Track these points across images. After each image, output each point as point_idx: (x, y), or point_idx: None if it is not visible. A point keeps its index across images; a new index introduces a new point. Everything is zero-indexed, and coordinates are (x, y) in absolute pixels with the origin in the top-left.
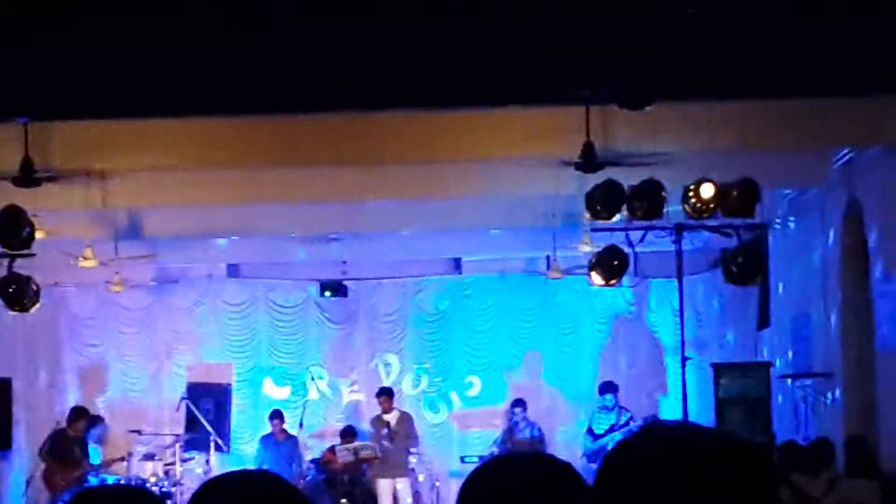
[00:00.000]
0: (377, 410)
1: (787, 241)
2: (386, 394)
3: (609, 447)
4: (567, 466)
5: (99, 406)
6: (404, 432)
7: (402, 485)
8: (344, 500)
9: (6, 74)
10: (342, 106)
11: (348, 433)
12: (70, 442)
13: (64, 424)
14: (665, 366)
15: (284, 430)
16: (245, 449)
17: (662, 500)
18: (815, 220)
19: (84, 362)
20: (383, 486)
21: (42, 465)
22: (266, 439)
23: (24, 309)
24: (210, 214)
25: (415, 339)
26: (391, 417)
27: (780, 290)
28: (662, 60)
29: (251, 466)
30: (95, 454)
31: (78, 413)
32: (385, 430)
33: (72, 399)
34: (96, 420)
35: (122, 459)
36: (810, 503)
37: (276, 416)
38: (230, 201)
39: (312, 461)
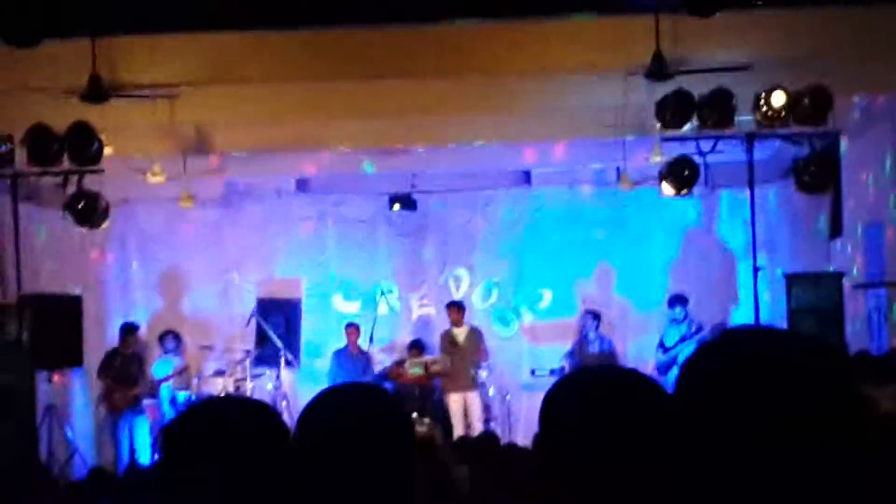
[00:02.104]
0: (447, 324)
1: (859, 149)
2: (456, 306)
3: (679, 359)
4: (647, 379)
5: (183, 317)
6: (473, 347)
7: (473, 398)
8: (415, 414)
9: None
10: (410, 18)
11: (416, 346)
12: (124, 360)
13: (117, 343)
14: (737, 277)
15: (358, 344)
16: (315, 364)
17: (744, 400)
18: (887, 127)
19: (153, 279)
20: (454, 400)
21: (101, 386)
22: (339, 353)
23: (93, 225)
24: (278, 129)
25: (484, 252)
26: (460, 332)
27: (852, 199)
28: None
29: (324, 381)
30: (168, 366)
31: (128, 330)
32: (453, 345)
33: (142, 315)
34: (170, 334)
35: (181, 373)
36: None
37: (352, 326)
38: (298, 116)
39: (381, 374)
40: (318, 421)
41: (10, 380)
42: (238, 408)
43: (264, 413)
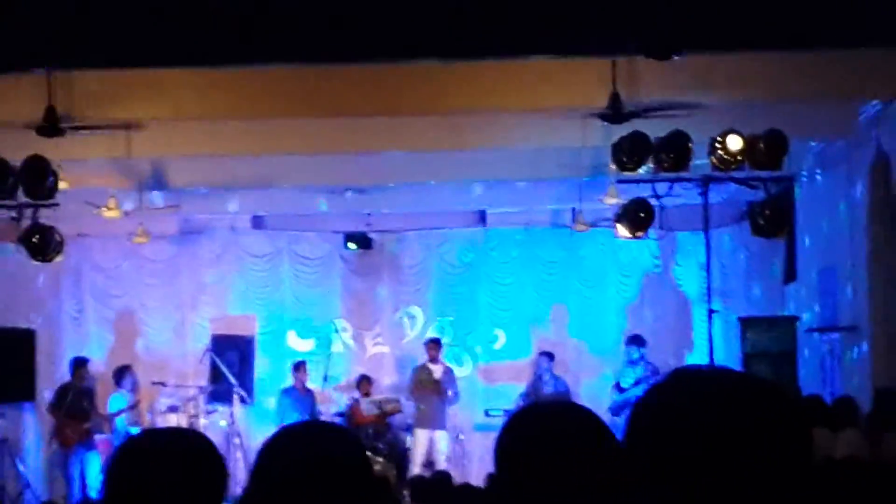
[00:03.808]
0: (402, 362)
1: (813, 193)
2: (435, 343)
3: (633, 400)
4: (594, 415)
5: (136, 353)
6: (449, 385)
7: (441, 436)
8: (368, 454)
9: (28, 23)
10: (365, 57)
11: (364, 380)
12: (76, 394)
13: (68, 378)
14: (692, 320)
15: (305, 384)
16: (269, 402)
17: (695, 440)
18: (842, 172)
19: (108, 314)
20: (420, 437)
21: (52, 420)
22: (287, 392)
23: (47, 259)
24: (234, 165)
25: (439, 291)
26: (437, 368)
27: (807, 243)
28: (689, 10)
29: (272, 419)
30: (121, 402)
31: (79, 363)
32: (431, 381)
33: (96, 350)
34: (126, 369)
35: (133, 408)
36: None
37: (300, 367)
38: (254, 152)
39: (337, 414)
40: (279, 457)
41: None
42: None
43: (201, 444)
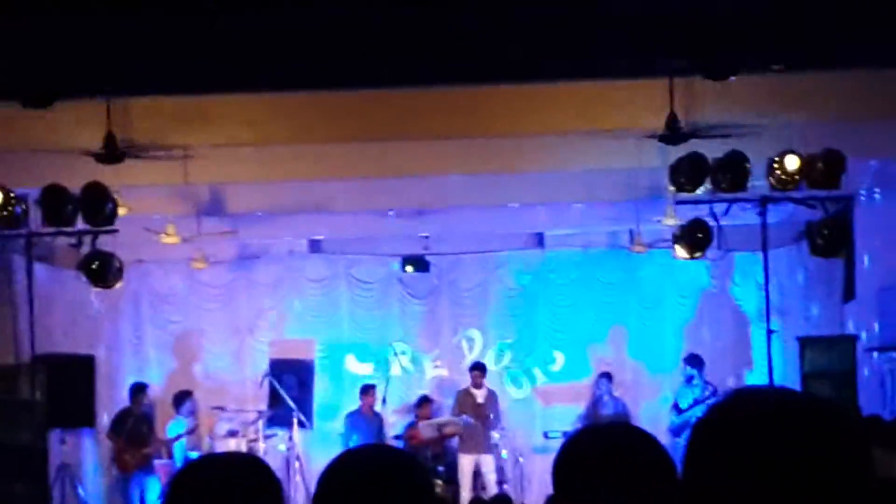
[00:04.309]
0: (461, 385)
1: (872, 212)
2: (479, 369)
3: (692, 421)
4: (650, 437)
5: (195, 378)
6: (491, 409)
7: (486, 461)
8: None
9: (88, 51)
10: (424, 81)
11: (425, 402)
12: (135, 419)
13: (128, 403)
14: (750, 340)
15: (372, 406)
16: (328, 426)
17: (755, 462)
18: None
19: (167, 339)
20: (465, 462)
21: (111, 446)
22: (353, 415)
23: (107, 285)
24: (291, 190)
25: (497, 314)
26: (480, 393)
27: (866, 262)
28: (747, 31)
29: (336, 442)
30: (181, 427)
31: (137, 389)
32: (475, 406)
33: (156, 375)
34: (186, 395)
35: (191, 432)
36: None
37: (367, 391)
38: (312, 177)
39: (396, 437)
40: (341, 481)
41: (24, 439)
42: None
43: (259, 469)
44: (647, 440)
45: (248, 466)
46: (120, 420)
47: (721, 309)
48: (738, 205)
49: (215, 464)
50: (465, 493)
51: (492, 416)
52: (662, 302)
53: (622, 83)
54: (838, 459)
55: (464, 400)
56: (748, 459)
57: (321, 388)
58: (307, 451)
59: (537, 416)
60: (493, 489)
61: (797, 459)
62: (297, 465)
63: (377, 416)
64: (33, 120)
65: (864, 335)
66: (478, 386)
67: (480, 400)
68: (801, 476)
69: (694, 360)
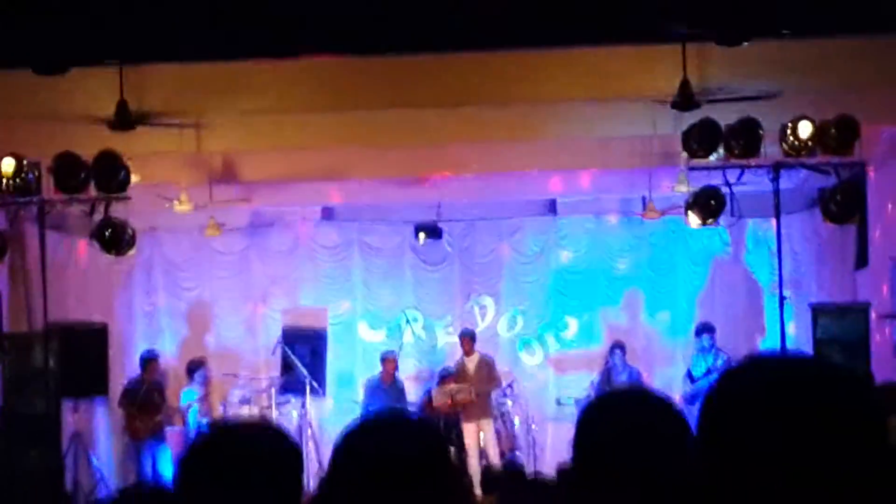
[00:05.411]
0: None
1: (885, 179)
2: (468, 336)
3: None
4: (669, 402)
5: (208, 346)
6: (484, 375)
7: (487, 427)
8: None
9: (101, 18)
10: (437, 47)
11: (448, 374)
12: (147, 387)
13: (139, 371)
14: (763, 307)
15: (393, 374)
16: (340, 393)
17: (769, 428)
18: None
19: (179, 307)
20: (468, 430)
21: (123, 413)
22: (370, 382)
23: (120, 253)
24: (304, 158)
25: (510, 281)
26: (470, 360)
27: (879, 229)
28: None
29: (350, 409)
30: (193, 395)
31: (148, 359)
32: (465, 375)
33: (169, 344)
34: (199, 363)
35: (202, 400)
36: None
37: (387, 358)
38: (324, 144)
39: (411, 404)
40: (360, 448)
41: (38, 408)
42: (253, 433)
43: (279, 438)
44: (664, 405)
45: (269, 431)
46: (132, 388)
47: (733, 276)
48: (750, 171)
49: (234, 429)
50: (473, 461)
51: (489, 381)
52: (675, 269)
53: (635, 49)
54: (853, 425)
55: (458, 369)
56: (761, 425)
57: (334, 356)
58: (320, 419)
59: (550, 384)
60: (495, 457)
61: (812, 425)
62: (309, 432)
63: (396, 383)
64: (46, 88)
65: (876, 302)
66: (467, 353)
67: (471, 368)
68: (816, 442)
69: (705, 329)
